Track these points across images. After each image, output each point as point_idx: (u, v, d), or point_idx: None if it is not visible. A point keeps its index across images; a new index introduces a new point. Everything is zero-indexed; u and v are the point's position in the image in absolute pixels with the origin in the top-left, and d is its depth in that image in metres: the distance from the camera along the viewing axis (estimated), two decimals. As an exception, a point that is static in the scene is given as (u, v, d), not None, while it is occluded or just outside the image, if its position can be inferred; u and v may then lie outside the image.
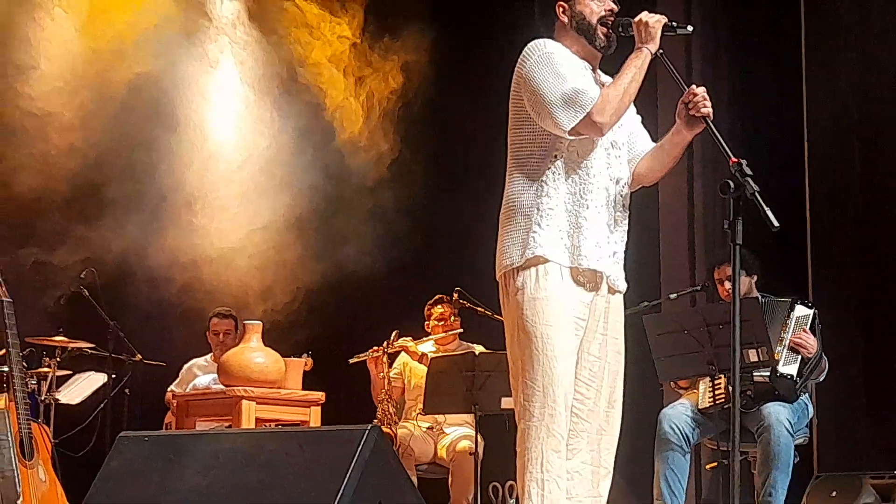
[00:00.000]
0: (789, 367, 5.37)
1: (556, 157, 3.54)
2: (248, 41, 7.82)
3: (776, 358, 5.29)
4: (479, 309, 6.43)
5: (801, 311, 5.44)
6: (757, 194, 3.31)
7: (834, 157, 6.87)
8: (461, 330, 6.60)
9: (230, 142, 7.82)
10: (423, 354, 6.45)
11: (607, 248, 3.58)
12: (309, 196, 7.54)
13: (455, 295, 6.51)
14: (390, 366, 6.53)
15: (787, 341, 5.37)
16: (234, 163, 7.75)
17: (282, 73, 7.77)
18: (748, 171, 3.34)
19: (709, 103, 3.51)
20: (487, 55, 6.95)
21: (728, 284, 5.46)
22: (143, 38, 7.34)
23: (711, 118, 3.50)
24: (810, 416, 5.57)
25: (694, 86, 3.54)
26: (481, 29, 7.50)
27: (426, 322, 6.65)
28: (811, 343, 5.39)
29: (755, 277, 5.62)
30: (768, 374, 5.31)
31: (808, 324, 5.44)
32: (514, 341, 3.56)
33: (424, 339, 6.57)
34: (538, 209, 3.52)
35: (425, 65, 7.57)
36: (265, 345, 5.41)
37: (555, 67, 3.49)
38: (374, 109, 7.83)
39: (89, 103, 7.15)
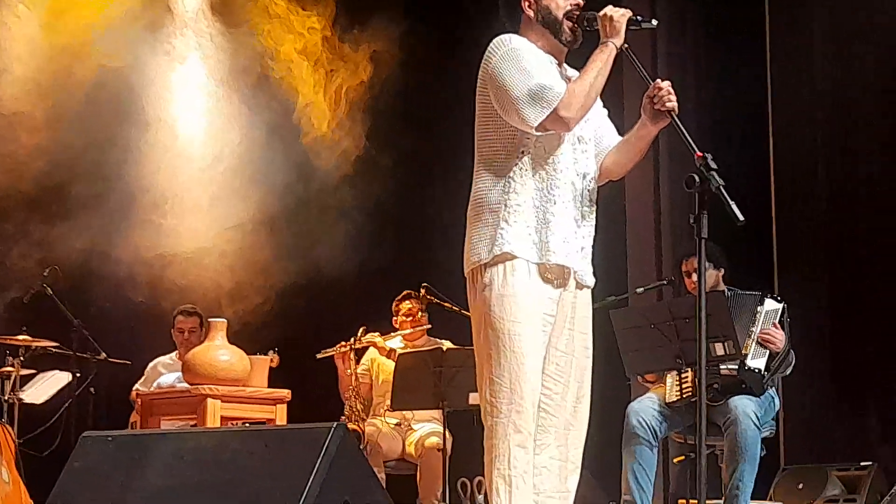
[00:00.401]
0: (757, 361, 5.39)
1: (522, 152, 3.53)
2: (213, 34, 7.77)
3: (745, 352, 5.31)
4: (446, 304, 6.42)
5: (770, 305, 5.46)
6: (722, 188, 3.32)
7: (799, 151, 6.91)
8: (429, 326, 6.58)
9: (198, 139, 7.77)
10: (392, 350, 6.43)
11: (575, 243, 3.57)
12: (279, 194, 7.50)
13: (422, 291, 6.50)
14: (358, 362, 6.51)
15: (756, 335, 5.38)
16: (203, 160, 7.69)
17: (250, 68, 7.72)
18: (713, 166, 3.34)
19: (674, 97, 3.50)
20: (457, 48, 6.93)
21: (695, 277, 5.47)
22: (107, 34, 7.27)
23: (676, 112, 3.50)
24: (777, 409, 5.59)
25: (659, 80, 3.53)
26: (452, 22, 7.48)
27: (394, 318, 6.63)
28: (779, 337, 5.41)
29: (723, 271, 5.63)
30: (736, 367, 5.32)
31: (777, 318, 5.45)
32: (480, 337, 3.55)
33: (392, 334, 6.55)
34: (506, 205, 3.51)
35: (395, 57, 7.54)
36: (234, 344, 5.38)
37: (520, 63, 3.49)
38: (342, 105, 7.80)
39: (55, 101, 7.09)
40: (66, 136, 7.10)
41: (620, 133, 3.77)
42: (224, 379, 5.17)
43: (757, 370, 5.35)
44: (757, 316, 5.41)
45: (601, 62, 3.49)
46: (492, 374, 3.49)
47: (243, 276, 7.40)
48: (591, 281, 3.65)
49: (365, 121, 7.68)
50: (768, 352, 5.41)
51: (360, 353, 6.55)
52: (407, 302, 6.59)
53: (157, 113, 7.63)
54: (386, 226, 7.56)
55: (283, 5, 7.61)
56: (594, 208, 3.65)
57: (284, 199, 7.43)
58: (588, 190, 3.62)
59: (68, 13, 7.26)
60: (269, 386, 5.54)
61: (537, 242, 3.51)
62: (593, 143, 3.69)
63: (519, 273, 3.49)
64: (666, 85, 3.52)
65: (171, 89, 7.72)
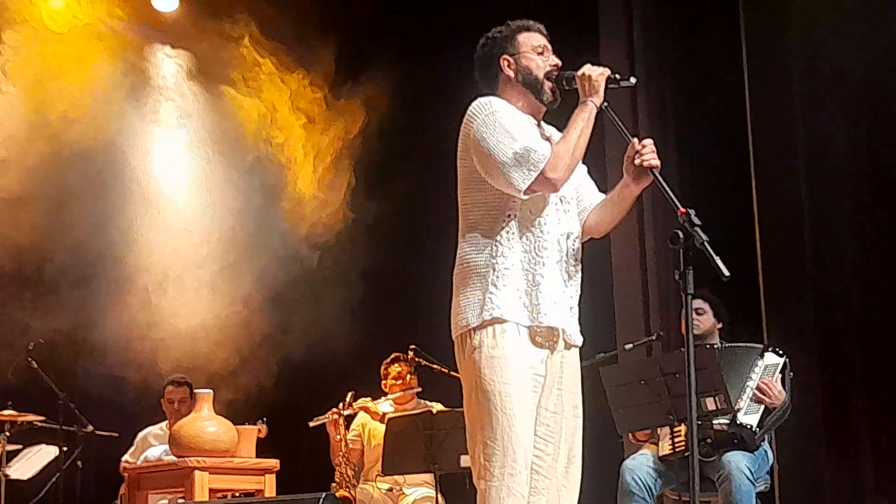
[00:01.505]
0: (750, 417, 5.34)
1: (509, 216, 3.53)
2: (197, 103, 7.81)
3: (737, 407, 5.27)
4: (435, 366, 6.38)
5: (770, 358, 5.42)
6: (706, 244, 3.31)
7: (783, 203, 6.91)
8: (419, 389, 6.54)
9: (185, 209, 7.78)
10: (384, 414, 6.39)
11: (564, 303, 3.56)
12: (265, 260, 7.50)
13: (410, 353, 6.46)
14: (347, 428, 6.46)
15: (751, 390, 5.34)
16: (191, 229, 7.70)
17: (235, 134, 7.75)
18: (697, 221, 3.34)
19: (655, 155, 3.51)
20: (440, 116, 6.96)
21: (696, 315, 5.46)
22: (93, 107, 7.31)
23: (659, 170, 3.50)
24: (770, 462, 5.54)
25: (636, 139, 3.54)
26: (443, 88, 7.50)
27: (383, 381, 6.59)
28: (776, 392, 5.33)
29: (721, 324, 5.62)
30: (728, 422, 5.28)
31: (776, 372, 5.40)
32: (471, 400, 3.51)
33: (382, 398, 6.51)
34: (494, 269, 3.50)
35: (387, 111, 7.59)
36: (222, 415, 5.33)
37: (503, 126, 3.49)
38: (328, 169, 7.82)
39: (36, 174, 7.10)
40: (47, 209, 7.10)
41: (601, 189, 3.77)
42: (211, 450, 5.12)
43: (749, 426, 5.31)
44: (754, 369, 5.38)
45: (583, 121, 3.50)
46: (484, 437, 3.46)
47: (227, 347, 7.37)
48: (579, 340, 3.64)
49: (352, 184, 7.70)
50: (763, 407, 5.35)
51: (349, 420, 6.49)
52: (396, 364, 6.56)
53: (140, 182, 7.64)
54: (373, 289, 7.54)
55: (269, 65, 7.65)
56: (580, 267, 3.64)
57: (269, 267, 7.42)
58: (573, 249, 3.62)
59: (51, 86, 7.30)
60: (258, 455, 5.48)
61: (528, 305, 3.50)
62: (575, 202, 3.68)
63: (509, 335, 3.48)
64: (648, 142, 3.53)
65: (154, 158, 7.74)
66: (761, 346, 5.51)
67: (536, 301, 3.49)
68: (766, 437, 5.42)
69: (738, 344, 5.54)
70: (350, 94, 7.71)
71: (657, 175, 3.49)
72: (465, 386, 3.55)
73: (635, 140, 3.54)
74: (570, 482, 3.60)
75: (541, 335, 3.52)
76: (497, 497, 3.42)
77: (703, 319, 5.55)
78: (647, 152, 3.50)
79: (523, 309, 3.49)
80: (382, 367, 6.62)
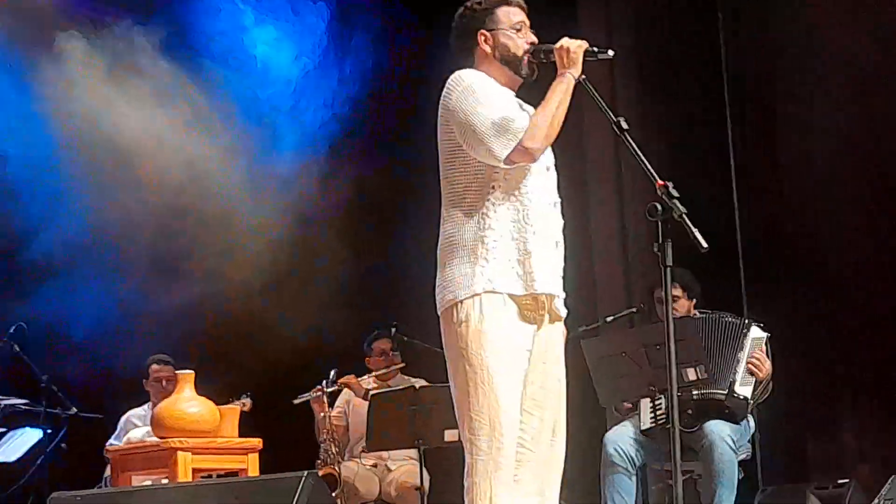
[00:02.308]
0: (745, 389, 5.40)
1: (493, 187, 3.52)
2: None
3: (733, 377, 5.31)
4: (416, 342, 6.39)
5: (756, 332, 5.46)
6: (685, 216, 3.32)
7: (762, 172, 6.94)
8: (403, 364, 6.55)
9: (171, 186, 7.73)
10: (368, 390, 6.40)
11: (555, 272, 3.58)
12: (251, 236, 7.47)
13: (393, 329, 6.47)
14: (331, 405, 6.47)
15: (744, 362, 5.39)
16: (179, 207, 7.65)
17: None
18: (675, 194, 3.35)
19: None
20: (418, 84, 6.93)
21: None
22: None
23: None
24: (752, 431, 5.60)
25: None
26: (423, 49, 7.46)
27: (367, 358, 6.60)
28: (767, 366, 5.42)
29: (695, 301, 5.66)
30: (725, 392, 5.32)
31: (762, 345, 5.45)
32: (457, 374, 3.52)
33: (365, 375, 6.52)
34: (483, 242, 3.49)
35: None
36: (202, 393, 5.32)
37: (481, 97, 3.49)
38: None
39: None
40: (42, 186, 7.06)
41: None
42: (194, 431, 5.10)
43: (744, 397, 5.36)
44: (745, 342, 5.42)
45: (561, 93, 3.50)
46: (470, 410, 3.47)
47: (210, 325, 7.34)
48: (563, 312, 3.65)
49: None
50: (755, 379, 5.41)
51: (332, 397, 6.50)
52: (379, 341, 6.57)
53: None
54: (358, 266, 7.53)
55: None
56: (562, 237, 3.65)
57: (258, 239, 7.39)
58: (557, 218, 3.63)
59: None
60: (241, 435, 5.48)
61: (521, 274, 3.50)
62: (555, 170, 3.69)
63: (495, 308, 3.47)
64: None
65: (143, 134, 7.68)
66: (743, 318, 5.54)
67: (530, 269, 3.49)
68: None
69: (722, 314, 5.56)
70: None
71: (634, 147, 3.49)
72: (451, 360, 3.54)
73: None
74: (555, 454, 3.61)
75: (529, 307, 3.52)
76: (484, 470, 3.43)
77: (678, 306, 5.54)
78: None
79: (517, 279, 3.49)
80: (365, 344, 6.62)
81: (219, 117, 7.28)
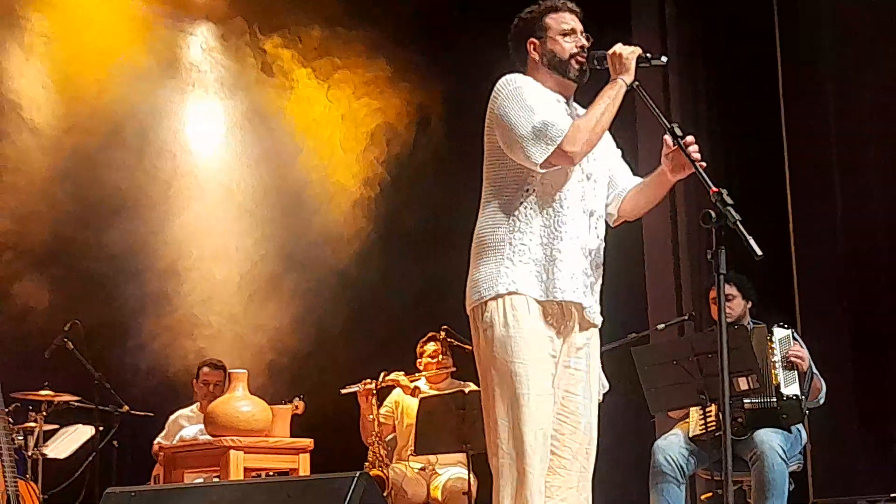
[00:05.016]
0: (791, 388, 5.39)
1: (528, 190, 3.53)
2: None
3: (775, 382, 5.29)
4: (466, 347, 6.39)
5: (780, 332, 5.49)
6: (739, 223, 3.30)
7: (816, 182, 6.88)
8: (453, 368, 6.56)
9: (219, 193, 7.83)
10: (416, 388, 6.41)
11: (583, 280, 3.54)
12: (295, 235, 7.53)
13: (442, 333, 6.48)
14: (379, 406, 6.48)
15: (780, 364, 5.37)
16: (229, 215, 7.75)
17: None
18: (729, 201, 3.32)
19: (698, 148, 3.49)
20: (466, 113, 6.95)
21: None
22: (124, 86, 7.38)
23: (700, 162, 3.46)
24: (803, 442, 5.55)
25: (673, 131, 3.50)
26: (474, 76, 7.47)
27: (418, 360, 6.61)
28: (805, 355, 5.44)
29: (751, 303, 5.63)
30: (774, 400, 5.29)
31: (791, 341, 5.47)
32: (485, 378, 3.52)
33: (416, 375, 6.53)
34: (510, 244, 3.50)
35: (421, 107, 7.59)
36: (256, 394, 5.37)
37: (525, 101, 3.49)
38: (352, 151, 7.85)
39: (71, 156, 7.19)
40: (84, 191, 7.17)
41: (635, 172, 3.76)
42: (246, 430, 5.15)
43: (795, 396, 5.34)
44: (773, 346, 5.40)
45: (609, 98, 3.49)
46: (497, 415, 3.46)
47: (262, 329, 7.41)
48: (598, 319, 3.62)
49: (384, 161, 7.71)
50: (796, 374, 5.40)
51: (381, 397, 6.51)
52: (431, 343, 6.58)
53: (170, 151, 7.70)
54: (409, 265, 7.56)
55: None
56: (602, 246, 3.63)
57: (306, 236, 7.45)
58: (595, 227, 3.61)
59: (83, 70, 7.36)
60: (292, 435, 5.52)
61: (544, 280, 3.49)
62: (605, 184, 3.67)
63: (520, 311, 3.46)
64: (690, 139, 3.50)
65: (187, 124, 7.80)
66: (763, 324, 5.52)
67: (552, 276, 3.48)
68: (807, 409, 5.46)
69: (753, 323, 5.55)
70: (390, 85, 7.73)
71: (688, 153, 3.47)
72: (479, 362, 3.55)
73: (685, 137, 3.49)
74: (588, 462, 3.60)
75: (555, 311, 3.50)
76: (510, 475, 3.43)
77: (734, 305, 5.54)
78: (694, 150, 3.48)
79: (538, 283, 3.48)
80: (418, 346, 6.63)
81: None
